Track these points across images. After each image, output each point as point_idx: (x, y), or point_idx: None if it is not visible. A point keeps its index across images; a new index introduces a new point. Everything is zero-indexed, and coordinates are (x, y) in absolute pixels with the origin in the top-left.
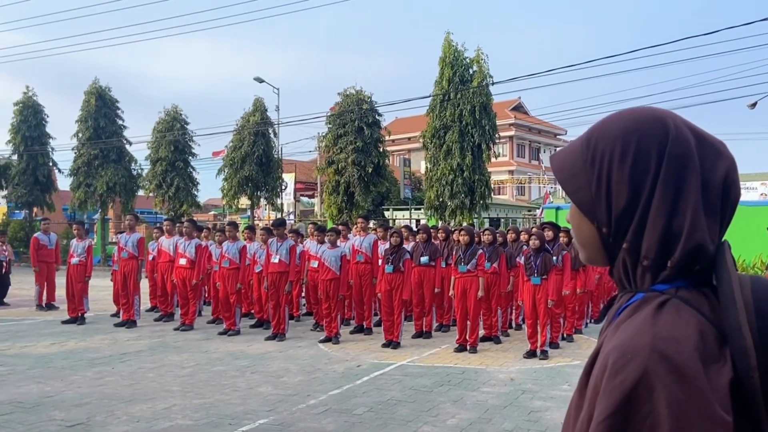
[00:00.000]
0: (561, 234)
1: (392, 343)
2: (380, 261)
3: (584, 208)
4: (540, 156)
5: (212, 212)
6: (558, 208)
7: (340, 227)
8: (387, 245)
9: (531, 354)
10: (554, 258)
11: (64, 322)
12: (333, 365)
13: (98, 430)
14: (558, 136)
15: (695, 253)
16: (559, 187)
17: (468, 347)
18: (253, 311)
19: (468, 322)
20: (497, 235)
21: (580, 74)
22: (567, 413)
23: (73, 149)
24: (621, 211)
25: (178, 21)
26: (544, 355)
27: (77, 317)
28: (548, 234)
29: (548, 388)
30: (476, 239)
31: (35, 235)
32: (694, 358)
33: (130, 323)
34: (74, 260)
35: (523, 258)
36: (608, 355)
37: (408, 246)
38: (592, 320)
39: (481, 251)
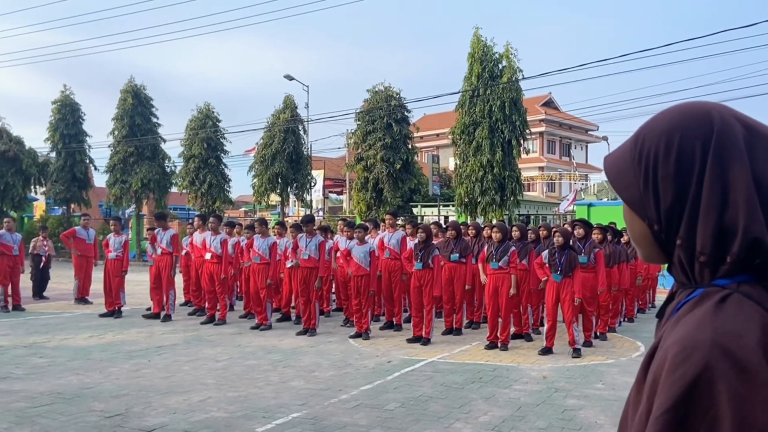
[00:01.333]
0: (595, 231)
1: (422, 339)
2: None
3: (634, 206)
4: (571, 152)
5: (243, 209)
6: (590, 205)
7: (367, 224)
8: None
9: (546, 350)
10: (585, 256)
11: (102, 316)
12: (364, 360)
13: (136, 421)
14: (589, 132)
15: (753, 247)
16: (589, 183)
17: (499, 344)
18: (280, 306)
19: (499, 320)
20: (528, 232)
21: (614, 68)
22: (624, 408)
23: (109, 147)
24: (669, 207)
25: (211, 20)
26: (577, 353)
27: (114, 311)
28: (579, 232)
29: (582, 387)
30: (508, 236)
31: (74, 227)
32: (756, 353)
33: (165, 317)
34: (111, 255)
35: (546, 255)
36: (668, 350)
37: (437, 242)
38: (626, 319)
39: (513, 248)
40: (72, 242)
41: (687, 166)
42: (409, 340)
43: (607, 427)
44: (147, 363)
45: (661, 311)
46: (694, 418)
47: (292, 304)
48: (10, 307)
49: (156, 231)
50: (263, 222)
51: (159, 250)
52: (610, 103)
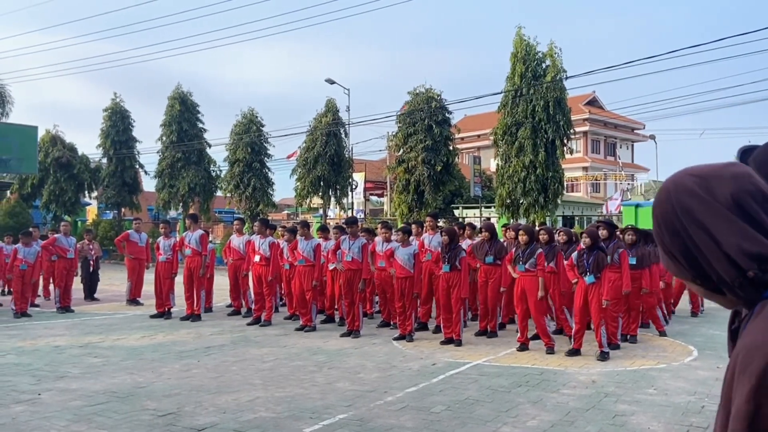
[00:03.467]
0: (629, 232)
1: (452, 341)
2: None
3: (682, 276)
4: (616, 151)
5: (285, 211)
6: (638, 206)
7: (411, 226)
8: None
9: (574, 352)
10: (608, 257)
11: (152, 317)
12: (408, 363)
13: (188, 420)
14: (635, 131)
15: (759, 261)
16: (635, 183)
17: (546, 349)
18: (324, 308)
19: (530, 323)
20: (558, 234)
21: (662, 65)
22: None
23: (157, 152)
24: (687, 262)
25: (255, 26)
26: (603, 357)
27: (164, 312)
28: (603, 233)
29: (633, 392)
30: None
31: (127, 231)
32: None
33: (194, 317)
34: (162, 258)
35: (575, 256)
36: (737, 358)
37: (463, 243)
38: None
39: (540, 251)
40: (125, 246)
41: (673, 231)
42: (443, 343)
43: None
44: (197, 363)
45: (733, 335)
46: (766, 407)
47: (336, 306)
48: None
49: (184, 233)
50: (305, 224)
51: (188, 251)
52: (657, 101)
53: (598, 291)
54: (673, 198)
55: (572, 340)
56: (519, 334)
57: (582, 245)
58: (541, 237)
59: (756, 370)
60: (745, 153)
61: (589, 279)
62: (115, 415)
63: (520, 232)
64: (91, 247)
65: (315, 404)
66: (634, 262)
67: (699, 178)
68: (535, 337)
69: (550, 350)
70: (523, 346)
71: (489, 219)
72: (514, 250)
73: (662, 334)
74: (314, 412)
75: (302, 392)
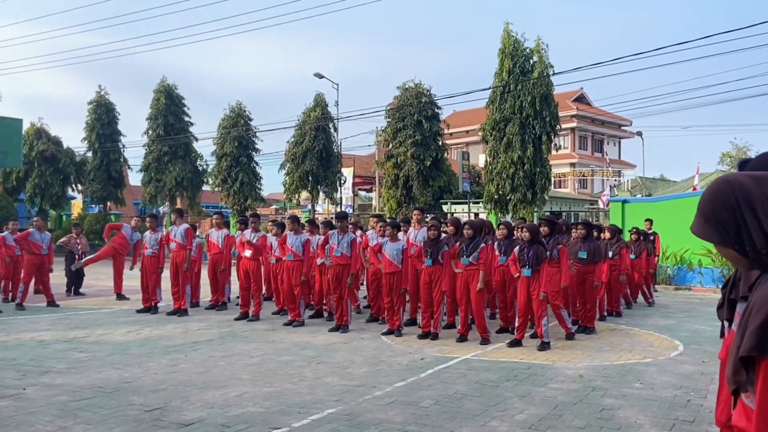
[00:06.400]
0: (579, 227)
1: (430, 334)
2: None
3: (718, 242)
4: (603, 148)
5: (274, 206)
6: (624, 201)
7: (399, 222)
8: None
9: (515, 342)
10: (548, 252)
11: (139, 311)
12: (397, 357)
13: (175, 415)
14: (622, 128)
15: None
16: (622, 180)
17: (481, 340)
18: (313, 303)
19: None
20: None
21: (648, 62)
22: (731, 350)
23: (144, 146)
24: (733, 232)
25: (242, 20)
26: (543, 347)
27: (151, 306)
28: (544, 230)
29: (619, 386)
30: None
31: (124, 224)
32: None
33: (181, 312)
34: (148, 252)
35: (517, 250)
36: (753, 303)
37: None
38: (614, 313)
39: (483, 245)
40: (114, 234)
41: (730, 210)
42: (420, 337)
43: (647, 427)
44: (184, 358)
45: (728, 294)
46: None
47: (324, 301)
48: (24, 304)
49: (170, 227)
50: (295, 219)
51: (174, 245)
52: (644, 98)
53: (538, 284)
54: (735, 188)
55: (515, 331)
56: (460, 326)
57: (523, 240)
58: (522, 233)
59: (763, 313)
60: (743, 164)
61: (526, 272)
62: (101, 410)
63: (465, 226)
64: (78, 241)
65: (303, 399)
66: (585, 257)
67: (754, 179)
68: (503, 330)
69: (486, 341)
70: (462, 337)
71: (477, 214)
72: (458, 244)
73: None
74: (302, 407)
75: (290, 387)
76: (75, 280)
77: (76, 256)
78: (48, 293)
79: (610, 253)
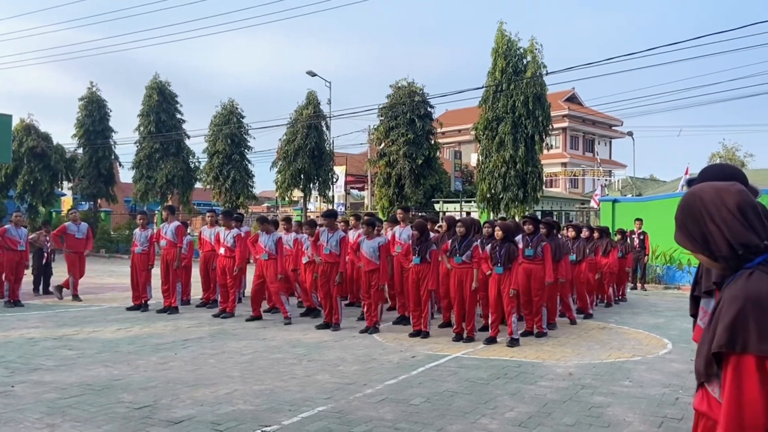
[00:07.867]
0: (536, 226)
1: (421, 333)
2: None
3: (699, 252)
4: (594, 147)
5: (266, 204)
6: (615, 201)
7: (374, 220)
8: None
9: (491, 340)
10: (532, 249)
11: (129, 309)
12: (388, 355)
13: (164, 412)
14: (614, 128)
15: (745, 247)
16: (612, 179)
17: (465, 336)
18: (301, 299)
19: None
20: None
21: (640, 63)
22: (701, 339)
23: (135, 143)
24: (701, 241)
25: (235, 17)
26: (513, 343)
27: (141, 304)
28: (528, 228)
29: (609, 384)
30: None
31: (65, 224)
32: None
33: (171, 309)
34: (138, 249)
35: (489, 248)
36: (723, 301)
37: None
38: (583, 312)
39: (475, 244)
40: (63, 240)
41: (696, 221)
42: (411, 335)
43: (636, 424)
44: (174, 356)
45: (719, 286)
46: (741, 330)
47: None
48: (12, 301)
49: (161, 224)
50: (264, 220)
51: (164, 242)
52: (635, 98)
53: (509, 282)
54: (697, 199)
55: (489, 328)
56: (454, 325)
57: (495, 238)
58: (495, 233)
59: (732, 312)
60: (690, 183)
61: (497, 269)
62: (90, 407)
63: (458, 224)
64: (47, 239)
65: (294, 397)
66: (531, 254)
67: (715, 189)
68: (484, 328)
69: (458, 337)
70: (458, 336)
71: (469, 213)
72: (450, 242)
73: (572, 323)
74: (293, 405)
75: (281, 385)
76: (44, 278)
77: (45, 254)
78: (16, 291)
79: (573, 254)
